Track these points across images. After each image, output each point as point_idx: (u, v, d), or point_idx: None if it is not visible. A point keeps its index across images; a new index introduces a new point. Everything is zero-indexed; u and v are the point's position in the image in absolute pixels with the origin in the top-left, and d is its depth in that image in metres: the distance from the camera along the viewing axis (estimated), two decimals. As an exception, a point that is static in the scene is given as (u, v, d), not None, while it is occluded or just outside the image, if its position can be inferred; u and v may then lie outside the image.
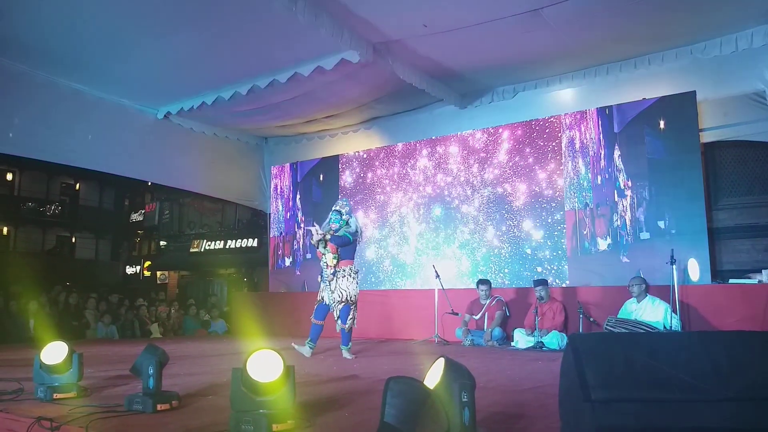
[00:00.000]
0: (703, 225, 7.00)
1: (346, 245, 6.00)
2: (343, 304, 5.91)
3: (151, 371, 3.04)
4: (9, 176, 23.47)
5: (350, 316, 5.95)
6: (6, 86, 7.87)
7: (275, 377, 2.49)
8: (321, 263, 6.12)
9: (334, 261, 5.97)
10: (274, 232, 11.29)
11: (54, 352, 3.46)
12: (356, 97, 9.18)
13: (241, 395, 2.46)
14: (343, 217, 6.03)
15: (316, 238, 6.07)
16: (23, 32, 7.09)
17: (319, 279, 6.16)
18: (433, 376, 2.28)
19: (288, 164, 11.19)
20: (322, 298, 6.05)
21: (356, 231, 6.06)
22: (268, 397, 2.48)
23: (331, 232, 5.99)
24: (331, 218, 6.07)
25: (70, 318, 10.16)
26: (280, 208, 11.19)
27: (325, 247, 6.00)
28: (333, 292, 5.93)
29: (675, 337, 2.93)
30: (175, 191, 18.27)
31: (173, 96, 9.24)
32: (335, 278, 5.96)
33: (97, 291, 12.03)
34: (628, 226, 7.47)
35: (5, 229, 23.49)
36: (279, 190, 11.25)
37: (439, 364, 2.30)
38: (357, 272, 6.09)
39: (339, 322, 5.96)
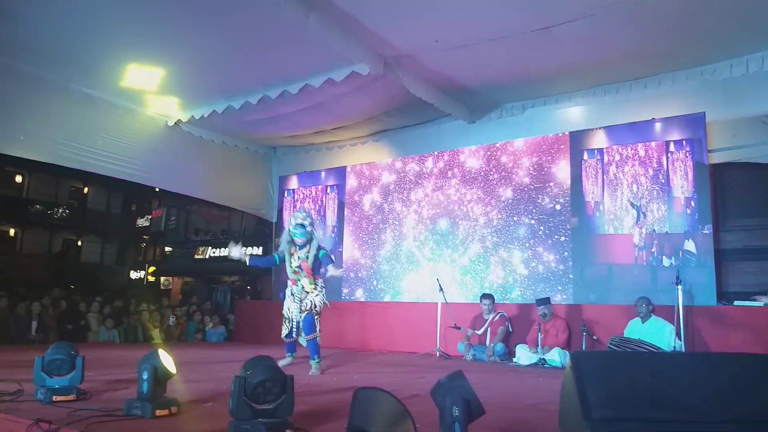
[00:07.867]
0: (710, 246, 6.97)
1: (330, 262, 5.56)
2: (305, 312, 5.52)
3: (145, 376, 3.01)
4: (18, 178, 23.61)
5: (317, 327, 5.57)
6: (18, 89, 7.92)
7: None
8: (292, 286, 5.69)
9: (312, 286, 5.59)
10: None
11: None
12: (365, 110, 9.22)
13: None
14: (308, 229, 5.58)
15: (235, 256, 5.73)
16: (37, 37, 7.16)
17: (287, 295, 5.73)
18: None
19: (295, 174, 11.23)
20: (288, 316, 5.66)
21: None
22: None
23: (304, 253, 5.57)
24: (293, 233, 5.58)
25: (72, 321, 10.19)
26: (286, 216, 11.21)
27: (300, 271, 5.59)
28: (301, 303, 5.57)
29: (679, 358, 2.91)
30: (182, 198, 18.30)
31: (184, 104, 9.30)
32: (307, 294, 5.60)
33: (101, 295, 12.05)
34: (633, 245, 7.43)
35: (12, 231, 23.61)
36: (286, 200, 11.27)
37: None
38: (324, 286, 5.72)
39: (302, 334, 5.56)
